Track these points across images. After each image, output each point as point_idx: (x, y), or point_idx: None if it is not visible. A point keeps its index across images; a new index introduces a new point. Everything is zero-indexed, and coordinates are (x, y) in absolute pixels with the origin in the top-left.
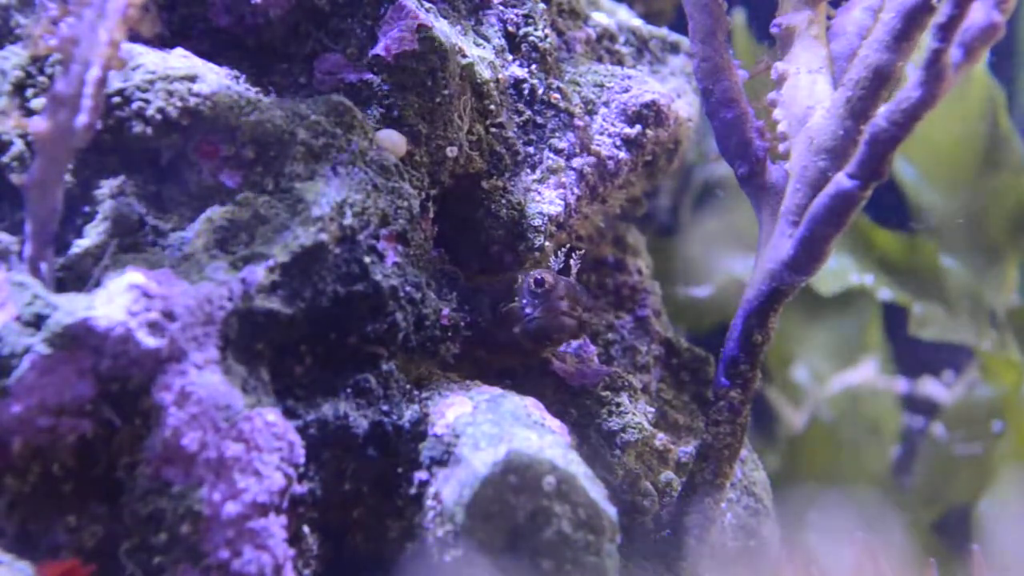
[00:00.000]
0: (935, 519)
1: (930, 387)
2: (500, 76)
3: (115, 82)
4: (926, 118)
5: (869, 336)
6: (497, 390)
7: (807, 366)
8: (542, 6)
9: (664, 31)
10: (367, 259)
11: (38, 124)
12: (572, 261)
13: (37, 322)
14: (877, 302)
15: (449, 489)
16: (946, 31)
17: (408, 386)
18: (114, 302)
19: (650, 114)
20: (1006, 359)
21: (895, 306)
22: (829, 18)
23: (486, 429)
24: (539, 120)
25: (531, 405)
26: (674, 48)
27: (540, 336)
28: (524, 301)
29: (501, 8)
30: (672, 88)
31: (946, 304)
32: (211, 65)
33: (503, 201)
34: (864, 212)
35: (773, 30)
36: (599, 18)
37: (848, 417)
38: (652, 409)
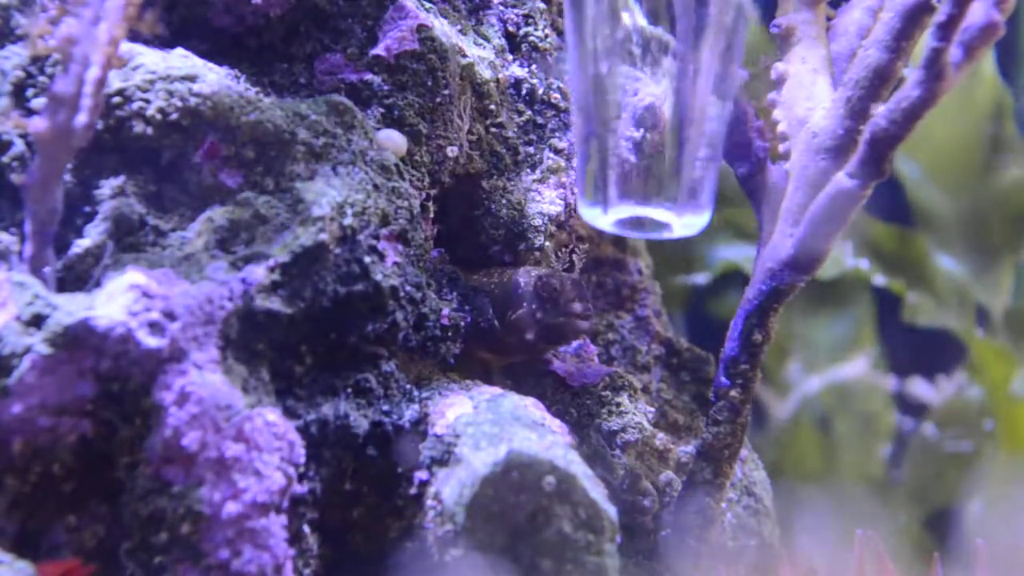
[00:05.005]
0: (925, 516)
1: (920, 388)
2: (500, 76)
3: (115, 82)
4: (929, 117)
5: (862, 333)
6: (497, 390)
7: (801, 362)
8: (542, 6)
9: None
10: (367, 259)
11: (38, 124)
12: (575, 258)
13: (37, 322)
14: (871, 298)
15: (449, 489)
16: (946, 30)
17: (408, 386)
18: (114, 302)
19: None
20: (998, 351)
21: (888, 303)
22: (829, 19)
23: (486, 429)
24: (539, 120)
25: (531, 405)
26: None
27: (555, 339)
28: (534, 307)
29: (501, 8)
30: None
31: (936, 297)
32: (211, 65)
33: (503, 201)
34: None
35: (773, 30)
36: None
37: (840, 413)
38: (652, 409)
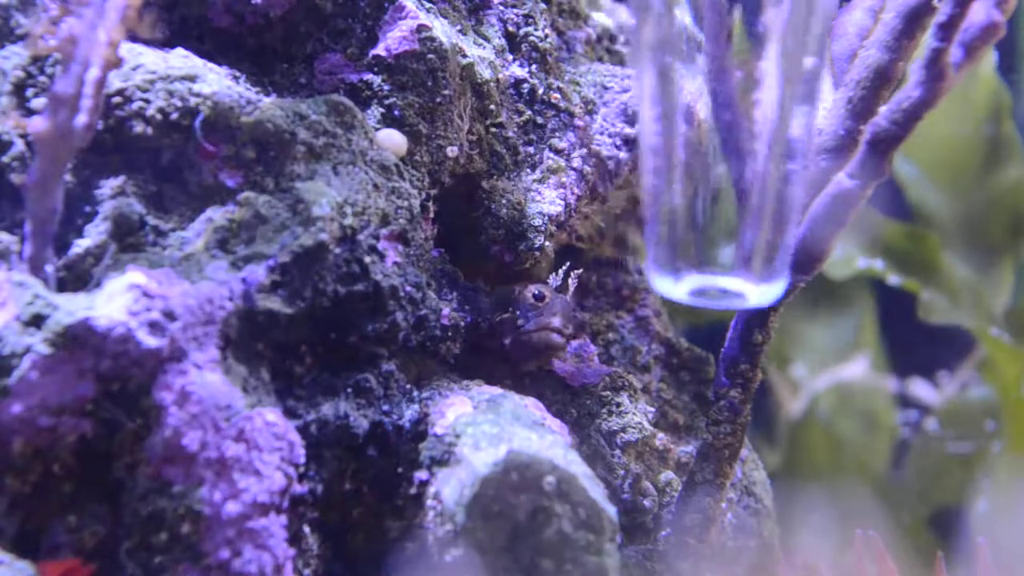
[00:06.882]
0: (928, 515)
1: (920, 388)
2: (500, 76)
3: (115, 82)
4: (929, 118)
5: (865, 334)
6: (497, 390)
7: (804, 363)
8: (542, 6)
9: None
10: (367, 259)
11: (38, 124)
12: (571, 280)
13: (37, 322)
14: (875, 297)
15: (449, 489)
16: (947, 30)
17: (408, 386)
18: (114, 302)
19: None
20: (1010, 349)
21: (895, 301)
22: None
23: (486, 429)
24: (539, 120)
25: (531, 405)
26: None
27: (527, 350)
28: (519, 313)
29: (501, 8)
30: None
31: (950, 295)
32: (211, 65)
33: (503, 201)
34: (870, 204)
35: None
36: (600, 18)
37: (844, 414)
38: (652, 409)
